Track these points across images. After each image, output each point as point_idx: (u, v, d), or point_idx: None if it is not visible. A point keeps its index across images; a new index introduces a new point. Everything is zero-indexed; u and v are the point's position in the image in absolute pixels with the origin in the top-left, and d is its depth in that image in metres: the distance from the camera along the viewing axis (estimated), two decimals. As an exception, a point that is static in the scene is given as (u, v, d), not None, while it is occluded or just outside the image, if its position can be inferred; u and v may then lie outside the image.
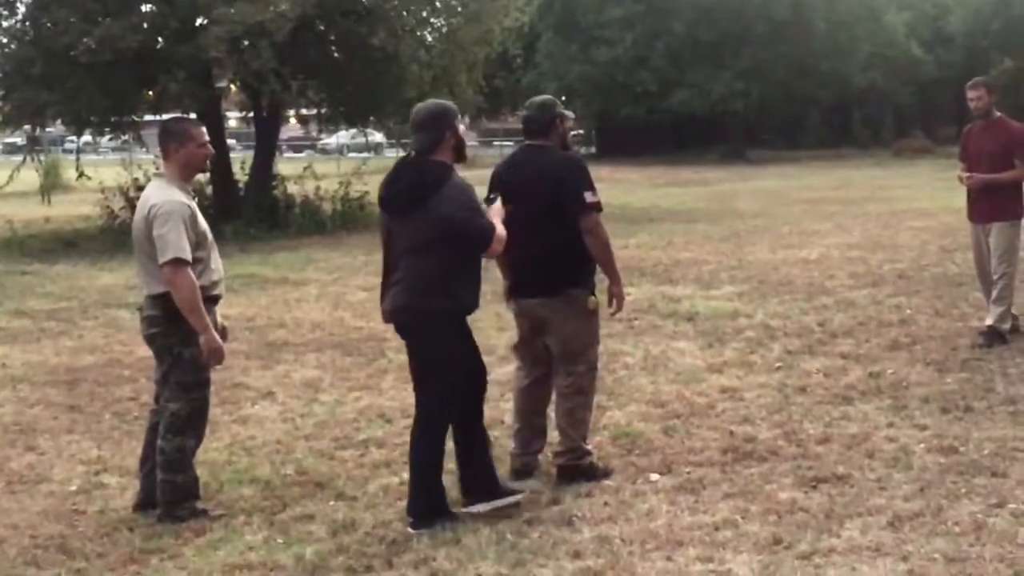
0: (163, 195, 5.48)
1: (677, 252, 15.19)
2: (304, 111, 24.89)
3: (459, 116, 5.47)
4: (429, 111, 5.43)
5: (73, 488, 6.08)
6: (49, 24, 18.90)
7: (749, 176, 33.10)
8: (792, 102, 47.21)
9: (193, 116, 23.08)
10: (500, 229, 5.34)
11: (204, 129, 5.72)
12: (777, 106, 47.06)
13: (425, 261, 5.25)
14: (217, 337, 5.46)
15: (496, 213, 5.49)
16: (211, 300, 5.56)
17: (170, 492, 5.50)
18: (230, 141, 24.70)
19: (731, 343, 9.10)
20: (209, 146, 5.63)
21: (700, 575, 4.63)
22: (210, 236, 5.59)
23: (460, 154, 5.43)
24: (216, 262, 5.63)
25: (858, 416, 6.86)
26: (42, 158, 22.95)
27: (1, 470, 6.46)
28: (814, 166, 36.70)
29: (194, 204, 5.56)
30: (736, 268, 13.39)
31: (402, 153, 26.26)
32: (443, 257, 5.25)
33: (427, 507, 5.30)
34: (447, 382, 5.37)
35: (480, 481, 5.52)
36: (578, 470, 5.83)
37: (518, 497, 5.52)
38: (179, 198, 5.46)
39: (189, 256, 5.37)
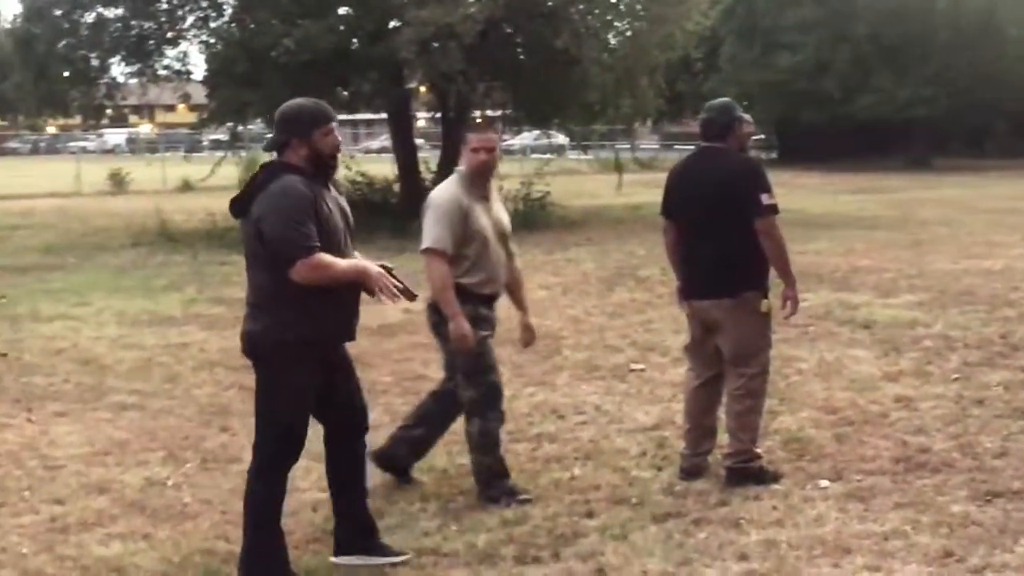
0: (442, 190, 5.81)
1: (856, 259, 14.90)
2: (489, 112, 25.30)
3: (324, 123, 4.68)
4: (281, 111, 4.74)
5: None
6: (252, 25, 19.76)
7: (933, 184, 32.01)
8: (978, 110, 45.25)
9: (384, 115, 23.89)
10: (325, 259, 4.51)
11: (482, 136, 5.82)
12: (963, 113, 45.19)
13: (256, 276, 4.68)
14: (465, 325, 5.55)
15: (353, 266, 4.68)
16: (479, 298, 5.72)
17: (483, 473, 5.76)
18: (418, 141, 25.29)
19: (908, 352, 8.93)
20: (483, 153, 5.72)
21: (867, 584, 4.62)
22: (488, 236, 5.72)
23: (319, 163, 4.67)
24: (490, 261, 5.75)
25: (1039, 431, 6.68)
26: (243, 154, 23.98)
27: (197, 448, 6.86)
28: (1000, 175, 35.20)
29: (472, 203, 5.70)
30: (916, 277, 13.06)
31: (584, 156, 26.35)
32: (270, 273, 4.59)
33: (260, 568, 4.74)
34: (273, 423, 4.74)
35: (355, 533, 5.04)
36: (747, 473, 5.86)
37: (399, 559, 5.00)
38: (455, 195, 5.71)
39: (443, 247, 5.60)
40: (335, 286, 4.62)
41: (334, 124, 4.75)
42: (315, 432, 6.97)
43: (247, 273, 4.76)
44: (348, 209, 4.90)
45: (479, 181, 5.80)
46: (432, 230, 5.64)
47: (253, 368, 4.80)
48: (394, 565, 4.94)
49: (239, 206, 4.68)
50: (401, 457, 6.06)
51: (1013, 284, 12.30)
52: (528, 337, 6.22)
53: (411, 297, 4.82)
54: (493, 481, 5.75)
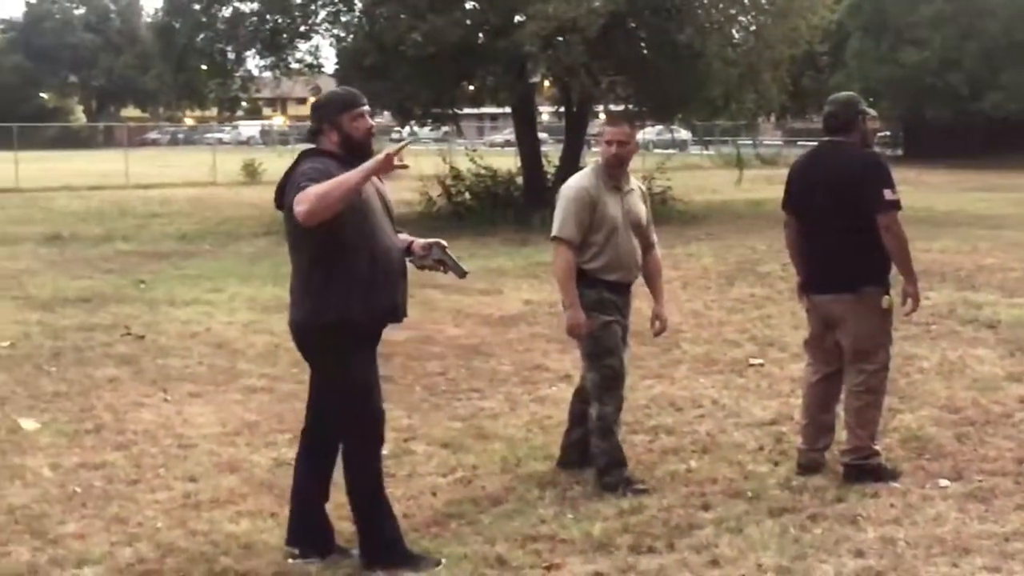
0: (572, 180, 5.98)
1: (981, 258, 14.55)
2: (612, 106, 25.30)
3: (351, 108, 4.69)
4: (315, 101, 4.86)
5: (385, 453, 6.46)
6: (381, 18, 20.10)
7: (1066, 183, 30.98)
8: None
9: (508, 109, 24.07)
10: (315, 187, 4.36)
11: (616, 129, 5.90)
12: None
13: (297, 263, 4.72)
14: (578, 315, 5.71)
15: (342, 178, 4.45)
16: (605, 283, 5.84)
17: (600, 458, 5.88)
18: (541, 135, 25.42)
19: (1035, 353, 8.74)
20: (615, 146, 5.79)
21: (986, 585, 4.58)
22: (617, 225, 5.80)
23: (350, 147, 4.66)
24: (618, 249, 5.84)
25: None
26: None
27: (324, 432, 7.07)
28: None
29: (603, 193, 5.80)
30: (1045, 276, 12.73)
31: (706, 152, 26.19)
32: (309, 255, 4.63)
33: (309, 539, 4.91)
34: (345, 407, 4.78)
35: (316, 532, 5.04)
36: (865, 470, 5.83)
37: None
38: (586, 184, 5.86)
39: (568, 235, 5.75)
40: (367, 265, 4.59)
41: (364, 108, 4.73)
42: (439, 417, 7.15)
43: (294, 262, 4.76)
44: (388, 197, 4.90)
45: (613, 172, 5.90)
46: (559, 219, 5.81)
47: (305, 359, 4.88)
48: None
49: (277, 194, 4.71)
50: (576, 463, 6.14)
51: None
52: (659, 327, 6.26)
53: (461, 274, 5.01)
54: (610, 468, 5.83)
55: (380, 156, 4.46)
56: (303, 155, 4.72)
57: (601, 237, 5.79)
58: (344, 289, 4.59)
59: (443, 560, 4.90)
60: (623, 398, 6.00)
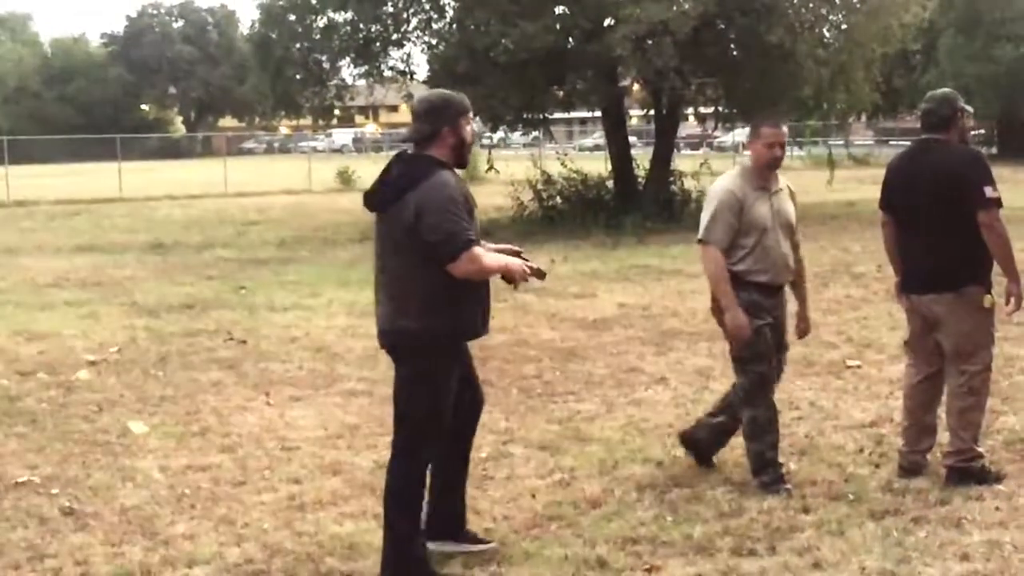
0: (719, 182, 6.00)
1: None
2: (702, 108, 25.13)
3: (467, 113, 4.77)
4: (428, 101, 4.83)
5: (484, 455, 6.61)
6: (472, 26, 20.25)
7: None
8: None
9: (598, 113, 24.06)
10: (480, 253, 4.60)
11: (777, 131, 5.88)
12: None
13: (406, 271, 4.70)
14: (740, 316, 5.70)
15: (500, 255, 4.79)
16: (755, 286, 5.82)
17: (754, 461, 5.91)
18: (631, 138, 25.37)
19: None
20: (777, 148, 5.82)
21: (1096, 589, 4.51)
22: (767, 226, 5.77)
23: (459, 156, 4.76)
24: (767, 251, 5.80)
25: None
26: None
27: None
28: None
29: (750, 194, 5.79)
30: None
31: (799, 152, 25.96)
32: (424, 267, 4.63)
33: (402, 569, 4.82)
34: (417, 415, 4.81)
35: (450, 522, 5.12)
36: (968, 472, 5.75)
37: (486, 547, 5.12)
38: (731, 186, 5.86)
39: (714, 239, 5.78)
40: (481, 280, 4.73)
41: (471, 113, 4.84)
42: (536, 420, 7.20)
43: (386, 267, 4.80)
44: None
45: (766, 174, 5.88)
46: (705, 222, 5.83)
47: (395, 361, 4.90)
48: (482, 552, 5.04)
49: (380, 200, 4.74)
50: (702, 441, 6.22)
51: None
52: (803, 328, 6.24)
53: (541, 276, 4.98)
54: (765, 468, 5.84)
55: (520, 263, 4.79)
56: (418, 163, 4.70)
57: (751, 240, 5.77)
58: (454, 303, 4.69)
59: None
60: (773, 402, 5.99)
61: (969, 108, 6.06)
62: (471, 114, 4.83)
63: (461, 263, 4.56)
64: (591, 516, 5.55)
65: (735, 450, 6.48)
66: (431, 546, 4.98)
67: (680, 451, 6.49)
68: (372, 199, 4.82)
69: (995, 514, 5.32)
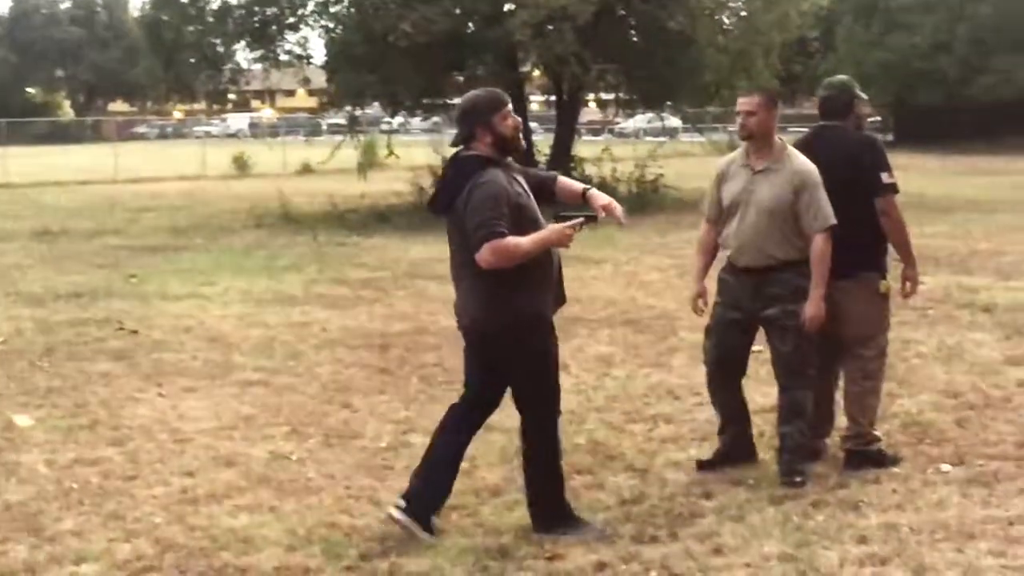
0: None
1: (975, 242, 14.58)
2: (603, 95, 25.26)
3: (501, 107, 4.94)
4: (460, 106, 5.05)
5: (383, 445, 6.55)
6: (370, 9, 20.03)
7: (1058, 167, 31.07)
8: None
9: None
10: (507, 242, 4.74)
11: (744, 98, 5.77)
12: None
13: (465, 266, 4.94)
14: (694, 287, 5.95)
15: (551, 230, 4.89)
16: (729, 263, 5.86)
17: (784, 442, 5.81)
18: (532, 124, 25.38)
19: (1032, 336, 8.74)
20: (742, 117, 5.72)
21: (991, 570, 4.55)
22: (734, 201, 5.72)
23: (504, 147, 4.95)
24: (733, 228, 5.75)
25: None
26: (360, 137, 24.35)
27: (320, 424, 7.02)
28: None
29: (732, 169, 5.84)
30: (1039, 260, 12.74)
31: (698, 139, 26.28)
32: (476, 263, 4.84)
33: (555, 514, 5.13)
34: (543, 390, 5.11)
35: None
36: (866, 456, 5.81)
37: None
38: (724, 160, 6.02)
39: (704, 209, 6.00)
40: (536, 265, 4.86)
41: (510, 107, 4.99)
42: (437, 409, 7.11)
43: (454, 262, 5.04)
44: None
45: (747, 148, 5.81)
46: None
47: (493, 353, 5.09)
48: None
49: (440, 203, 5.00)
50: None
51: None
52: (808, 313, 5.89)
53: (594, 220, 5.03)
54: (795, 453, 5.73)
55: (558, 230, 4.85)
56: (467, 163, 4.91)
57: (727, 214, 5.78)
58: (519, 287, 4.86)
59: (605, 528, 5.10)
60: (717, 387, 6.02)
61: (864, 95, 6.12)
62: (509, 107, 4.98)
63: (483, 255, 4.74)
64: (492, 505, 5.51)
65: (636, 436, 6.48)
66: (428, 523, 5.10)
67: (581, 438, 6.46)
68: (433, 202, 5.10)
69: (892, 497, 5.38)
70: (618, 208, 5.09)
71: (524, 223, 4.83)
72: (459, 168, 4.95)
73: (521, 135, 5.06)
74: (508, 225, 4.75)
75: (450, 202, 4.91)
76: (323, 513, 5.45)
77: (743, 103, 5.74)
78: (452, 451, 5.26)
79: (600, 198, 5.14)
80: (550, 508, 5.12)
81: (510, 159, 5.03)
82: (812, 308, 5.55)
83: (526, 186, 4.99)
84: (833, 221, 5.54)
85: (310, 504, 5.59)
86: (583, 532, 5.05)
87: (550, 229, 4.88)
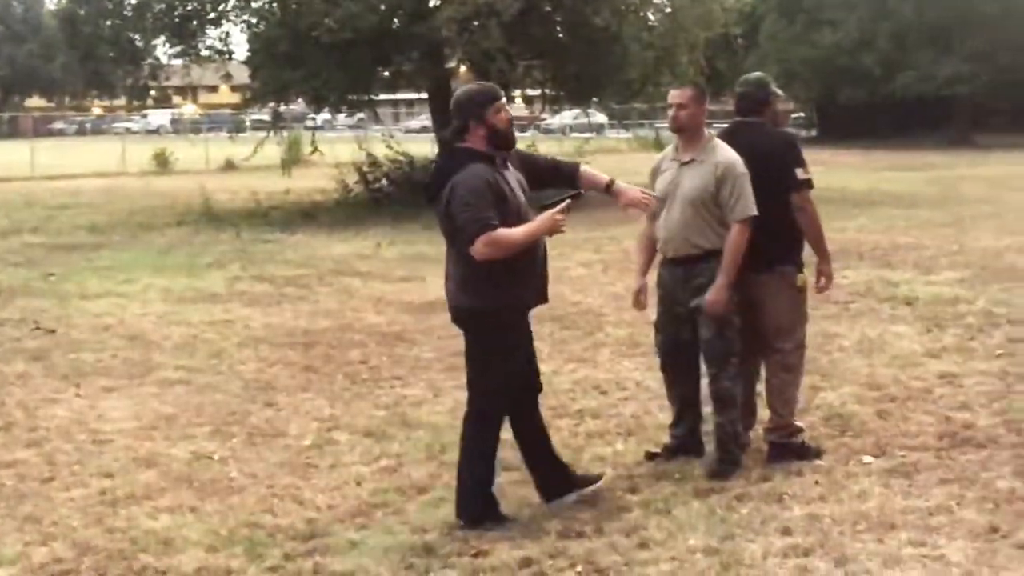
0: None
1: (896, 236, 14.81)
2: (529, 91, 25.28)
3: (495, 102, 5.03)
4: (455, 98, 5.14)
5: (307, 443, 6.48)
6: (294, 5, 19.83)
7: (975, 161, 31.73)
8: (1022, 86, 44.69)
9: (424, 95, 23.91)
10: (500, 234, 4.84)
11: (675, 91, 5.78)
12: (1007, 90, 44.62)
13: (456, 254, 5.06)
14: (635, 279, 6.07)
15: (541, 219, 4.97)
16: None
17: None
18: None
19: (951, 329, 8.89)
20: (673, 109, 5.73)
21: (912, 559, 4.60)
22: (665, 195, 5.73)
23: (499, 143, 5.04)
24: (660, 220, 5.81)
25: (1085, 407, 6.63)
26: (284, 134, 24.12)
27: (243, 423, 6.93)
28: (1046, 152, 34.78)
29: (664, 163, 5.90)
30: (958, 253, 12.99)
31: (624, 135, 26.44)
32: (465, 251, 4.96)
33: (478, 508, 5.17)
34: (486, 381, 5.17)
35: (554, 477, 5.40)
36: (789, 448, 5.86)
37: (599, 484, 5.49)
38: (661, 154, 6.09)
39: None
40: (522, 254, 4.96)
41: (504, 100, 5.09)
42: (362, 406, 7.06)
43: (447, 250, 5.11)
44: (524, 182, 5.16)
45: (677, 141, 5.84)
46: None
47: (464, 335, 5.19)
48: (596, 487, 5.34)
49: (428, 192, 5.09)
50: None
51: (1058, 261, 12.20)
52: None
53: (576, 196, 5.14)
54: (727, 443, 5.77)
55: (547, 217, 4.93)
56: (454, 156, 5.06)
57: (660, 207, 5.77)
58: (504, 278, 4.96)
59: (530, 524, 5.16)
60: (671, 381, 6.03)
61: (781, 92, 6.19)
62: (503, 101, 5.08)
63: (476, 248, 4.84)
64: (418, 502, 5.47)
65: (562, 431, 6.48)
66: (555, 505, 5.29)
67: (506, 434, 6.43)
68: (425, 191, 5.18)
69: (815, 488, 5.43)
70: (648, 199, 5.31)
71: (507, 217, 4.90)
72: (447, 160, 5.11)
73: (513, 130, 5.14)
74: (497, 216, 4.85)
75: (436, 193, 5.00)
76: (246, 513, 5.39)
77: (674, 96, 5.76)
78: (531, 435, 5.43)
79: (627, 193, 5.27)
80: (477, 501, 5.14)
81: (505, 154, 5.09)
82: (713, 294, 5.57)
83: (515, 180, 5.07)
84: (753, 212, 5.57)
85: (232, 504, 5.52)
86: (508, 528, 5.06)
87: (540, 218, 4.96)
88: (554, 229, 4.97)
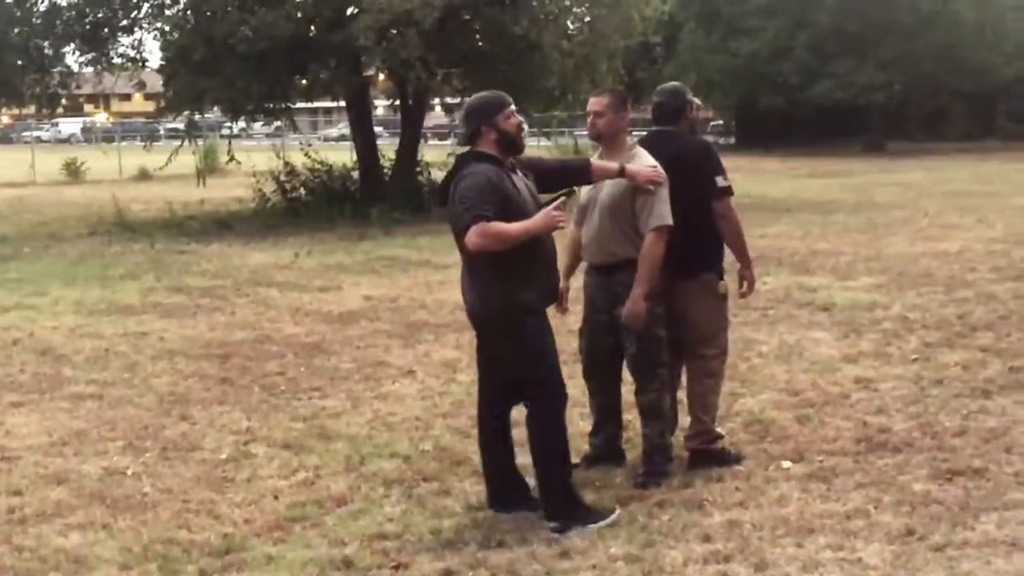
0: None
1: (814, 242, 15.00)
2: (448, 99, 25.21)
3: (504, 108, 5.14)
4: (467, 106, 5.28)
5: (223, 457, 6.36)
6: (208, 12, 19.57)
7: (890, 168, 32.38)
8: (936, 94, 45.83)
9: (343, 104, 23.75)
10: (493, 227, 4.87)
11: (594, 99, 5.75)
12: (921, 97, 45.73)
13: (463, 257, 5.14)
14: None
15: (543, 215, 5.02)
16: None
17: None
18: (377, 128, 25.19)
19: (867, 334, 8.99)
20: (591, 117, 5.73)
21: (830, 563, 4.63)
22: (591, 203, 5.75)
23: (509, 147, 5.15)
24: (586, 227, 5.82)
25: (996, 410, 6.74)
26: (200, 143, 23.78)
27: (157, 437, 6.78)
28: (957, 159, 35.59)
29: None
30: (874, 259, 13.18)
31: (544, 142, 26.39)
32: (480, 254, 5.01)
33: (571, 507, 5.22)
34: (541, 377, 5.19)
35: (509, 488, 5.44)
36: (709, 454, 5.88)
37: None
38: None
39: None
40: (528, 255, 5.03)
41: (513, 106, 5.20)
42: (279, 418, 6.95)
43: (466, 258, 5.13)
44: (534, 188, 5.25)
45: (601, 149, 5.82)
46: None
47: (490, 341, 5.23)
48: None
49: (440, 196, 5.23)
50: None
51: (970, 266, 12.43)
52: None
53: (570, 195, 5.35)
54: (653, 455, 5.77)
55: (544, 214, 5.00)
56: (464, 157, 5.15)
57: (585, 215, 5.81)
58: (515, 278, 5.03)
59: (617, 508, 5.22)
60: (592, 389, 6.03)
61: (698, 100, 6.22)
62: (513, 107, 5.19)
63: (470, 238, 4.88)
64: (336, 515, 5.39)
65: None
66: (503, 516, 5.27)
67: (428, 445, 6.39)
68: (437, 195, 5.33)
69: (735, 494, 5.45)
70: (660, 173, 5.44)
71: (512, 217, 4.97)
72: (456, 165, 5.17)
73: (523, 135, 5.27)
74: (495, 212, 4.89)
75: (447, 196, 5.11)
76: (160, 529, 5.27)
77: (592, 103, 5.75)
78: (500, 444, 5.44)
79: (641, 173, 5.45)
80: (563, 496, 5.19)
81: (514, 158, 5.21)
82: (629, 304, 5.53)
83: (523, 183, 5.16)
84: (667, 222, 5.54)
85: (146, 520, 5.40)
86: (600, 520, 5.12)
87: (537, 216, 5.02)
88: (552, 225, 5.02)
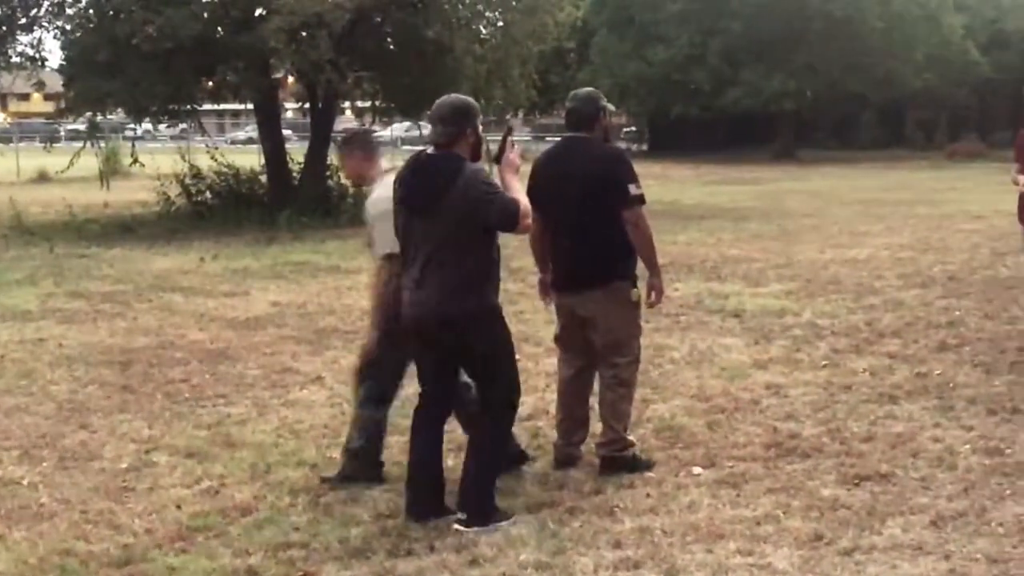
0: None
1: (726, 249, 15.16)
2: (359, 103, 25.01)
3: (480, 116, 5.30)
4: (453, 105, 5.25)
5: (124, 466, 6.20)
6: (111, 12, 19.16)
7: (800, 176, 32.95)
8: (846, 102, 46.91)
9: (251, 106, 23.42)
10: (524, 201, 5.11)
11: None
12: (830, 106, 46.75)
13: (462, 260, 5.11)
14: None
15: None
16: None
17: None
18: (286, 132, 24.88)
19: (777, 340, 9.08)
20: None
21: (740, 568, 4.64)
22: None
23: (477, 152, 5.24)
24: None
25: (903, 415, 6.83)
26: (102, 145, 23.23)
27: (54, 446, 6.58)
28: (866, 167, 36.40)
29: None
30: (784, 266, 13.35)
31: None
32: (473, 254, 5.13)
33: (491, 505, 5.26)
34: (508, 376, 5.33)
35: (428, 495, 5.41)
36: (621, 461, 5.85)
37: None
38: None
39: None
40: (495, 256, 5.24)
41: None
42: (183, 426, 6.77)
43: (433, 258, 5.10)
44: None
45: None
46: None
47: (471, 340, 5.17)
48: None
49: (425, 200, 5.10)
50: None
51: (878, 273, 12.65)
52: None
53: (509, 132, 5.41)
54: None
55: (506, 159, 5.19)
56: (447, 158, 5.11)
57: None
58: (494, 277, 5.23)
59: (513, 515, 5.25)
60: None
61: (612, 107, 6.19)
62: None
63: (526, 222, 5.10)
64: (241, 524, 5.27)
65: (391, 448, 6.33)
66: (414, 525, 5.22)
67: (336, 452, 6.27)
68: (416, 199, 5.15)
69: (646, 501, 5.44)
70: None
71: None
72: (442, 167, 5.12)
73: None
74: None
75: (438, 199, 5.05)
76: (57, 540, 5.11)
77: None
78: (434, 447, 5.45)
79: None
80: (487, 492, 5.23)
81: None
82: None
83: None
84: (384, 251, 5.61)
85: (42, 531, 5.23)
86: (503, 520, 5.16)
87: (506, 174, 5.18)
88: (515, 165, 5.22)
